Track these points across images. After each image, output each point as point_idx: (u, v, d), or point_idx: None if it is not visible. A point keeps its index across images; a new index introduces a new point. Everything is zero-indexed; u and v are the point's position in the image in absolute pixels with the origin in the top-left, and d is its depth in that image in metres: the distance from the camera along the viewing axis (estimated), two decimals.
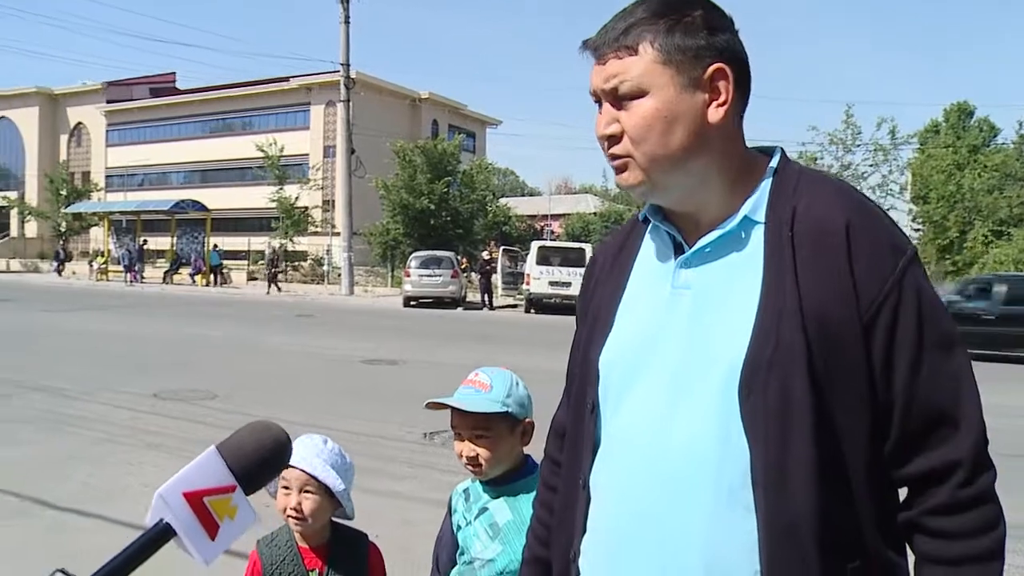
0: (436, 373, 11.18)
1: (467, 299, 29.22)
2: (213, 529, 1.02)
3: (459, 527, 2.22)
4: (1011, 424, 8.38)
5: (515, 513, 2.08)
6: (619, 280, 1.44)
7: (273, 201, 43.45)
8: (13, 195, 60.45)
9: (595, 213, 54.70)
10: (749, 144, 1.37)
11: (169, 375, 10.85)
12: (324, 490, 2.17)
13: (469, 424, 2.09)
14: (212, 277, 36.82)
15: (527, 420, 2.14)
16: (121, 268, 37.95)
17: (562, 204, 64.03)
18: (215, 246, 38.10)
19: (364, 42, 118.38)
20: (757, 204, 1.29)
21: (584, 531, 1.39)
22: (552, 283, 25.48)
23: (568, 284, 24.36)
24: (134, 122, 66.55)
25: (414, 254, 29.33)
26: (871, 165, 33.18)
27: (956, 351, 1.24)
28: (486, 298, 28.14)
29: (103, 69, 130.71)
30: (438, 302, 27.45)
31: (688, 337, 1.27)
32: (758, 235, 1.27)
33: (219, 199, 51.10)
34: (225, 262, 39.08)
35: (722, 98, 1.26)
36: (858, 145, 33.19)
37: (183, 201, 40.16)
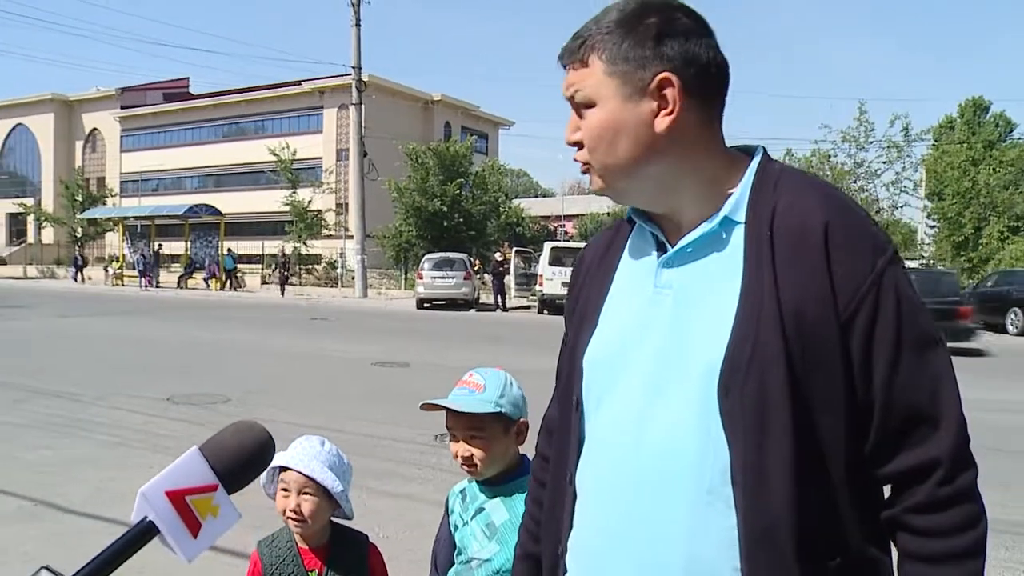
0: (447, 375, 11.08)
1: (480, 301, 29.29)
2: (195, 527, 1.04)
3: (456, 527, 2.23)
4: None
5: (511, 513, 2.09)
6: (605, 279, 1.45)
7: (286, 205, 43.62)
8: (29, 201, 60.89)
9: (608, 213, 54.62)
10: (755, 141, 1.37)
11: (182, 379, 10.91)
12: (323, 491, 2.19)
13: (463, 425, 2.11)
14: (226, 281, 36.99)
15: (521, 420, 2.15)
16: (136, 273, 38.19)
17: (575, 205, 64.04)
18: (228, 250, 38.27)
19: (377, 45, 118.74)
20: (737, 204, 1.29)
21: (571, 528, 1.40)
22: (565, 284, 25.36)
23: None
24: (148, 127, 67.01)
25: (427, 256, 29.39)
26: (884, 162, 33.02)
27: (935, 350, 1.24)
28: (499, 299, 28.17)
29: (117, 75, 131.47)
30: (451, 304, 27.49)
31: (669, 336, 1.28)
32: (738, 235, 1.28)
33: (233, 203, 51.38)
34: (239, 266, 39.25)
35: (669, 107, 1.26)
36: (871, 142, 33.01)
37: (197, 206, 40.39)
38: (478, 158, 44.78)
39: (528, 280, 31.96)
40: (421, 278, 27.65)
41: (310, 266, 43.69)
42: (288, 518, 2.22)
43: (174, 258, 43.81)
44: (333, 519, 2.32)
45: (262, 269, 42.88)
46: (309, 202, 44.01)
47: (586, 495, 1.37)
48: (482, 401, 2.09)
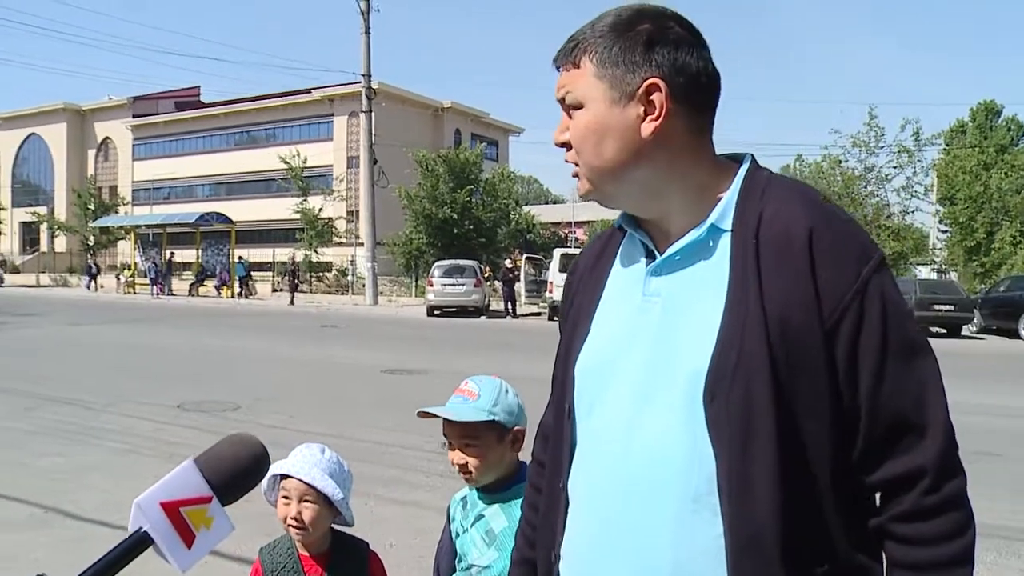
0: (457, 382, 11.08)
1: (490, 308, 29.26)
2: (189, 538, 1.05)
3: (457, 534, 2.25)
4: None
5: (510, 520, 2.09)
6: (597, 287, 1.46)
7: (297, 212, 43.74)
8: (43, 210, 61.28)
9: None
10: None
11: (193, 386, 10.96)
12: (323, 499, 2.21)
13: (457, 433, 2.13)
14: (238, 289, 37.10)
15: (516, 428, 2.16)
16: (147, 281, 38.34)
17: (586, 211, 63.84)
18: (240, 258, 38.40)
19: (387, 53, 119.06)
20: (724, 212, 1.29)
21: (564, 534, 1.41)
22: None
23: None
24: (160, 136, 67.40)
25: (437, 263, 29.42)
26: (895, 167, 32.83)
27: (922, 358, 1.25)
28: (509, 306, 28.15)
29: (129, 84, 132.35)
30: (461, 311, 27.52)
31: (656, 344, 1.29)
32: (725, 243, 1.28)
33: (244, 211, 51.64)
34: (252, 273, 39.36)
35: (655, 112, 1.27)
36: (881, 147, 32.85)
37: (208, 214, 40.55)
38: (488, 165, 44.85)
39: (538, 287, 31.93)
40: (431, 285, 27.69)
41: (321, 274, 43.80)
42: (289, 525, 2.23)
43: (185, 266, 43.98)
44: (334, 526, 2.33)
45: (273, 277, 43.00)
46: (320, 210, 44.11)
47: (578, 502, 1.38)
48: (476, 409, 2.11)
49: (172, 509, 1.05)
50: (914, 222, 37.36)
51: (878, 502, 1.28)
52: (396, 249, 39.35)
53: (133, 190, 66.04)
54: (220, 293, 37.53)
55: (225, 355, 15.29)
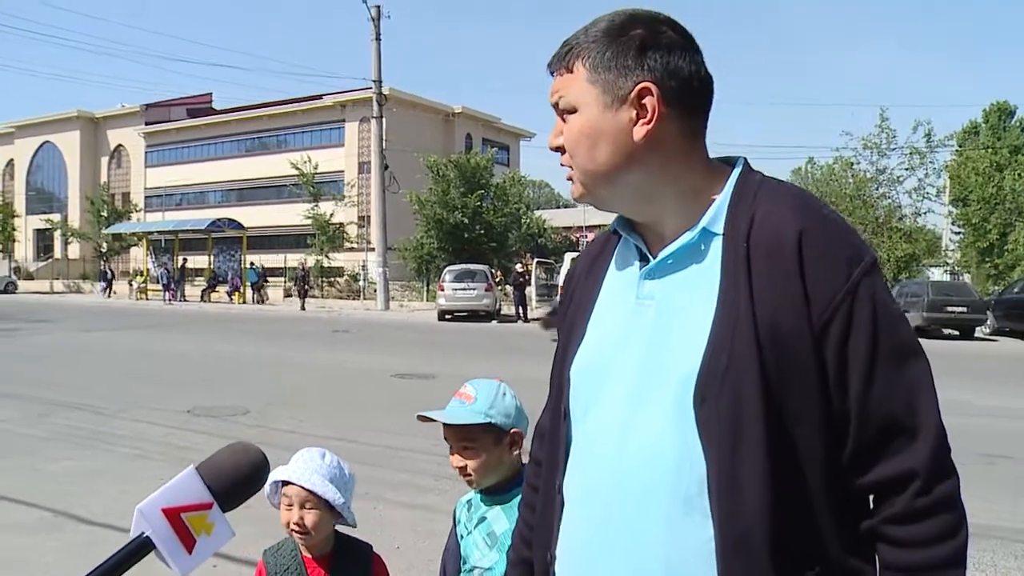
0: None
1: (501, 312, 29.28)
2: (190, 543, 1.07)
3: (462, 536, 2.26)
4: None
5: (512, 522, 2.09)
6: (593, 290, 1.47)
7: (308, 218, 43.88)
8: (56, 217, 61.67)
9: None
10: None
11: (203, 392, 11.01)
12: (324, 504, 2.23)
13: (455, 436, 2.15)
14: (251, 294, 37.20)
15: (514, 430, 2.17)
16: (160, 287, 38.54)
17: (597, 215, 63.74)
18: (251, 263, 38.54)
19: (397, 59, 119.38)
20: (716, 215, 1.30)
21: (560, 535, 1.42)
22: None
23: None
24: (172, 143, 67.74)
25: (448, 268, 29.48)
26: (907, 169, 32.73)
27: (914, 361, 1.25)
28: (520, 310, 28.17)
29: (142, 92, 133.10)
30: (473, 315, 27.53)
31: (649, 347, 1.30)
32: (717, 246, 1.29)
33: (255, 217, 51.85)
34: (268, 279, 39.53)
35: (647, 116, 1.28)
36: (893, 149, 32.75)
37: (219, 220, 40.76)
38: (499, 169, 44.88)
39: (549, 291, 31.87)
40: (442, 290, 27.72)
41: (332, 279, 43.92)
42: (291, 530, 2.25)
43: (198, 272, 44.19)
44: (338, 529, 2.35)
45: (284, 282, 43.19)
46: (331, 215, 44.25)
47: (573, 503, 1.39)
48: (471, 412, 2.12)
49: (174, 515, 1.07)
50: (926, 224, 37.27)
51: (872, 505, 1.28)
52: (407, 254, 39.42)
53: (146, 197, 66.36)
54: (232, 299, 37.67)
55: (236, 360, 15.34)
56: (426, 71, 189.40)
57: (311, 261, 41.39)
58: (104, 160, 71.46)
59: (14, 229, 58.48)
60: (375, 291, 35.19)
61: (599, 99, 1.30)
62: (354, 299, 39.79)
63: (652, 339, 1.31)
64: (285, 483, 2.25)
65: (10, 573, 4.69)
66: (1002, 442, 8.43)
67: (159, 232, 43.76)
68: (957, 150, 41.21)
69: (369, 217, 45.59)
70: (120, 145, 70.90)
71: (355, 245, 47.09)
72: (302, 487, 2.22)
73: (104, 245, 54.38)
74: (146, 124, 68.67)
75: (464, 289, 27.43)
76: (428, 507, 5.93)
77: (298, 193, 46.60)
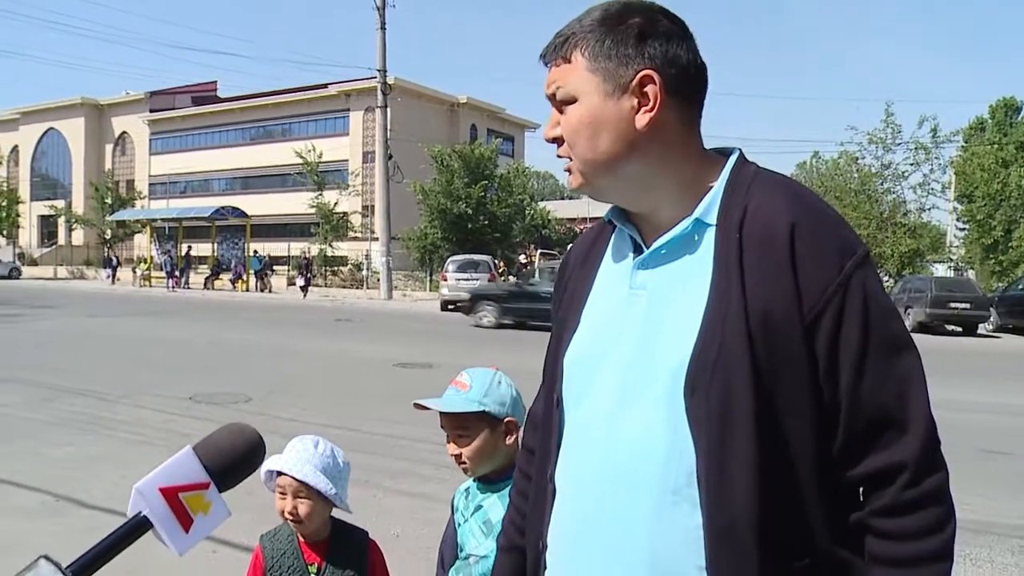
0: None
1: None
2: (187, 523, 1.08)
3: (459, 524, 2.27)
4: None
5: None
6: (587, 280, 1.48)
7: (312, 207, 43.87)
8: (60, 204, 61.71)
9: None
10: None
11: (205, 379, 11.04)
12: (317, 494, 2.24)
13: (450, 424, 2.16)
14: (254, 282, 37.24)
15: (508, 419, 2.17)
16: (163, 274, 38.59)
17: (601, 207, 63.21)
18: (255, 252, 38.55)
19: (403, 48, 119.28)
20: (709, 206, 1.30)
21: (551, 523, 1.43)
22: None
23: None
24: (176, 131, 67.63)
25: (451, 258, 29.45)
26: (912, 164, 32.64)
27: (905, 354, 1.25)
28: None
29: (146, 79, 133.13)
30: None
31: (641, 337, 1.30)
32: (710, 237, 1.29)
33: (259, 205, 51.81)
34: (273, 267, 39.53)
35: (650, 104, 1.28)
36: (898, 144, 32.65)
37: (223, 208, 40.76)
38: (504, 160, 44.83)
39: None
40: (445, 280, 27.71)
41: (336, 268, 43.93)
42: (286, 519, 2.27)
43: (201, 259, 44.21)
44: (335, 515, 2.37)
45: (288, 271, 43.21)
46: (335, 204, 44.24)
47: (564, 492, 1.40)
48: (465, 400, 2.13)
49: (171, 494, 1.07)
50: (931, 220, 37.18)
51: (861, 497, 1.28)
52: (411, 244, 39.43)
53: (150, 184, 66.39)
54: (235, 287, 37.70)
55: (239, 348, 15.37)
56: (431, 61, 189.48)
57: (315, 250, 41.40)
58: (108, 147, 71.38)
59: (18, 215, 58.49)
60: (378, 280, 35.16)
61: (600, 88, 1.29)
62: (357, 288, 39.78)
63: (644, 329, 1.31)
64: (280, 472, 2.26)
65: (11, 557, 4.71)
66: (1002, 438, 8.44)
67: (163, 219, 43.76)
68: (963, 146, 41.07)
69: (373, 206, 45.51)
70: (124, 132, 70.81)
71: (359, 234, 47.07)
72: (294, 478, 2.23)
73: (108, 232, 54.39)
74: (150, 111, 68.56)
75: (467, 279, 27.36)
76: (428, 495, 5.95)
77: (302, 182, 46.60)
